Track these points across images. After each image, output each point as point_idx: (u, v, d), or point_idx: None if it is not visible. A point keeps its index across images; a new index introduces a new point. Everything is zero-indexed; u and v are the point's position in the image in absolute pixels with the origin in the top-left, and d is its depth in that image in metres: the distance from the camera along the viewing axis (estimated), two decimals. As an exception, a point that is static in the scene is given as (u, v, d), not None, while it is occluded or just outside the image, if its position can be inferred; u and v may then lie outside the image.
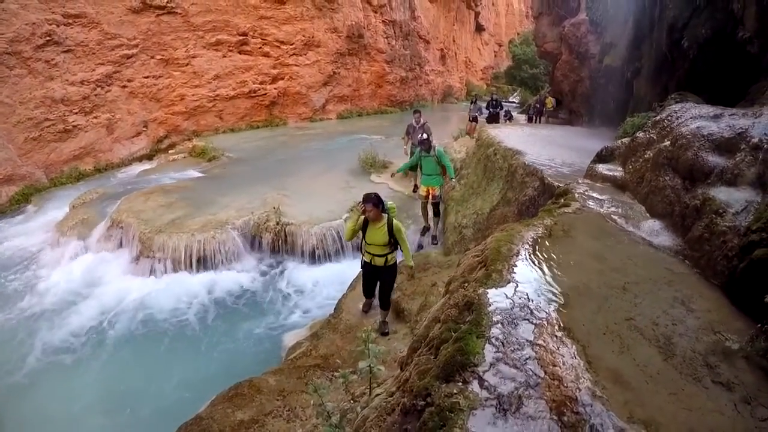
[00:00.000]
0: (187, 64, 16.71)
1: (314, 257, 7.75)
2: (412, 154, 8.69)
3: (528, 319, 2.05)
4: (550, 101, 17.32)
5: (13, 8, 11.67)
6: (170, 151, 15.52)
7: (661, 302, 2.38)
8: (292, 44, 19.68)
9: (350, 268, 6.99)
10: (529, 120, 18.02)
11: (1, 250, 8.61)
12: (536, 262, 2.60)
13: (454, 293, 2.45)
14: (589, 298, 2.35)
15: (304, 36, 19.92)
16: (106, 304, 6.61)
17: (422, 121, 9.39)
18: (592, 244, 3.03)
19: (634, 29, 9.20)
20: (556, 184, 5.09)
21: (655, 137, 4.06)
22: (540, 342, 1.91)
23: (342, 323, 5.32)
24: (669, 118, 3.99)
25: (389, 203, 4.77)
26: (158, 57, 15.85)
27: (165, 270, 7.26)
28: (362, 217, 4.61)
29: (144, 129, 15.44)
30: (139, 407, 4.82)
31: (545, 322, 2.05)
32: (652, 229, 3.35)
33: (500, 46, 47.54)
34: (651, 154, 3.93)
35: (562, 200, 4.01)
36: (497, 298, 2.19)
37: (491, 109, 15.00)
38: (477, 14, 40.48)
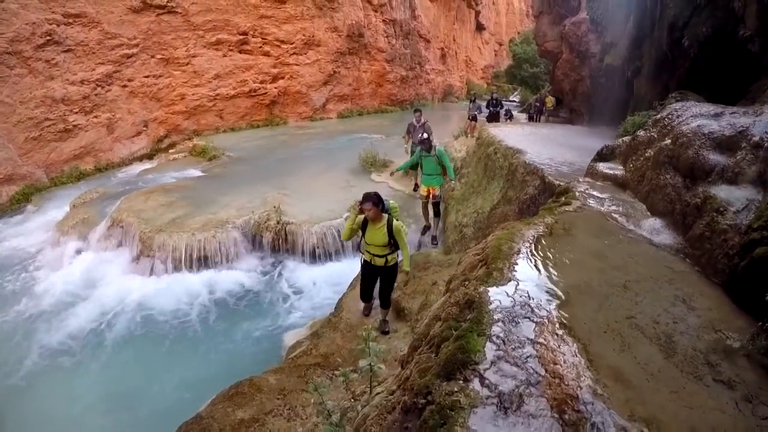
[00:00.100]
0: (188, 64, 16.72)
1: (315, 256, 7.75)
2: (412, 153, 8.68)
3: (529, 318, 2.05)
4: (550, 100, 17.31)
5: (14, 8, 11.67)
6: (170, 151, 15.54)
7: (662, 300, 2.38)
8: (292, 43, 19.68)
9: (351, 267, 6.99)
10: (530, 119, 18.01)
11: (2, 249, 8.62)
12: (537, 261, 2.60)
13: (454, 291, 2.45)
14: (590, 296, 2.34)
15: (304, 35, 19.92)
16: (106, 303, 6.62)
17: (423, 120, 9.38)
18: (593, 243, 3.02)
19: (635, 28, 9.19)
20: (557, 182, 5.09)
21: (655, 136, 4.05)
22: (541, 340, 1.91)
23: (342, 322, 5.31)
24: (670, 116, 3.99)
25: (392, 203, 4.62)
26: (158, 56, 15.85)
27: (165, 269, 7.26)
28: (361, 216, 4.50)
29: (144, 128, 15.45)
30: (139, 406, 4.82)
31: (546, 320, 2.05)
32: (653, 228, 3.35)
33: (501, 45, 47.51)
34: (652, 153, 3.92)
35: (563, 199, 4.00)
36: (498, 296, 2.19)
37: (492, 108, 14.99)
38: (477, 13, 40.48)
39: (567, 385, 1.68)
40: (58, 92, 12.64)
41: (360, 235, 4.67)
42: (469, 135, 12.64)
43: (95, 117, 13.69)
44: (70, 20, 13.15)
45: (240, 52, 18.26)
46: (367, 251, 4.68)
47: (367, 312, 5.36)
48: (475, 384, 1.70)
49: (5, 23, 11.47)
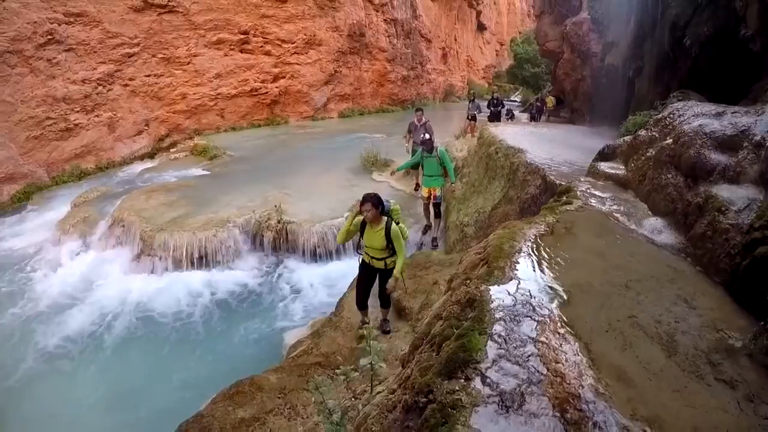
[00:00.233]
0: (189, 63, 16.71)
1: (315, 256, 7.74)
2: (413, 152, 8.68)
3: (530, 316, 2.05)
4: (551, 100, 17.29)
5: (15, 7, 11.68)
6: (172, 150, 15.55)
7: (664, 300, 2.38)
8: (293, 43, 19.67)
9: (351, 266, 6.93)
10: (531, 119, 17.99)
11: (2, 248, 8.63)
12: (538, 260, 2.60)
13: (456, 290, 2.45)
14: (592, 295, 2.34)
15: (305, 35, 19.91)
16: (107, 302, 6.62)
17: (424, 119, 9.38)
18: (595, 242, 3.02)
19: (636, 28, 9.18)
20: (558, 182, 5.08)
21: (657, 135, 4.04)
22: (542, 339, 1.91)
23: (343, 321, 5.31)
24: (671, 116, 3.98)
25: (394, 205, 4.41)
26: (160, 56, 15.85)
27: (166, 268, 7.26)
28: (359, 217, 4.34)
29: (145, 128, 15.46)
30: (140, 405, 4.82)
31: (547, 319, 2.04)
32: (655, 227, 3.35)
33: (502, 44, 47.46)
34: (653, 152, 3.92)
35: (564, 198, 4.00)
36: (499, 295, 2.19)
37: (493, 108, 14.99)
38: (479, 13, 40.45)
39: (569, 384, 1.68)
40: (59, 91, 12.64)
41: (357, 237, 4.54)
42: (469, 135, 12.64)
43: (96, 116, 13.69)
44: (72, 19, 13.14)
45: (241, 51, 18.25)
46: (366, 253, 4.58)
47: (366, 322, 4.88)
48: (477, 383, 1.70)
49: (6, 22, 11.47)
